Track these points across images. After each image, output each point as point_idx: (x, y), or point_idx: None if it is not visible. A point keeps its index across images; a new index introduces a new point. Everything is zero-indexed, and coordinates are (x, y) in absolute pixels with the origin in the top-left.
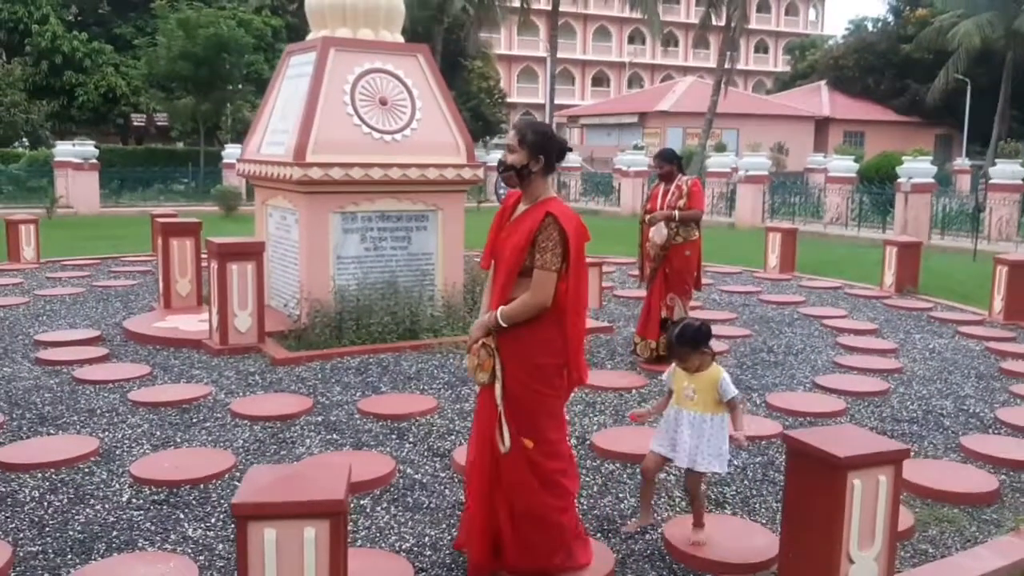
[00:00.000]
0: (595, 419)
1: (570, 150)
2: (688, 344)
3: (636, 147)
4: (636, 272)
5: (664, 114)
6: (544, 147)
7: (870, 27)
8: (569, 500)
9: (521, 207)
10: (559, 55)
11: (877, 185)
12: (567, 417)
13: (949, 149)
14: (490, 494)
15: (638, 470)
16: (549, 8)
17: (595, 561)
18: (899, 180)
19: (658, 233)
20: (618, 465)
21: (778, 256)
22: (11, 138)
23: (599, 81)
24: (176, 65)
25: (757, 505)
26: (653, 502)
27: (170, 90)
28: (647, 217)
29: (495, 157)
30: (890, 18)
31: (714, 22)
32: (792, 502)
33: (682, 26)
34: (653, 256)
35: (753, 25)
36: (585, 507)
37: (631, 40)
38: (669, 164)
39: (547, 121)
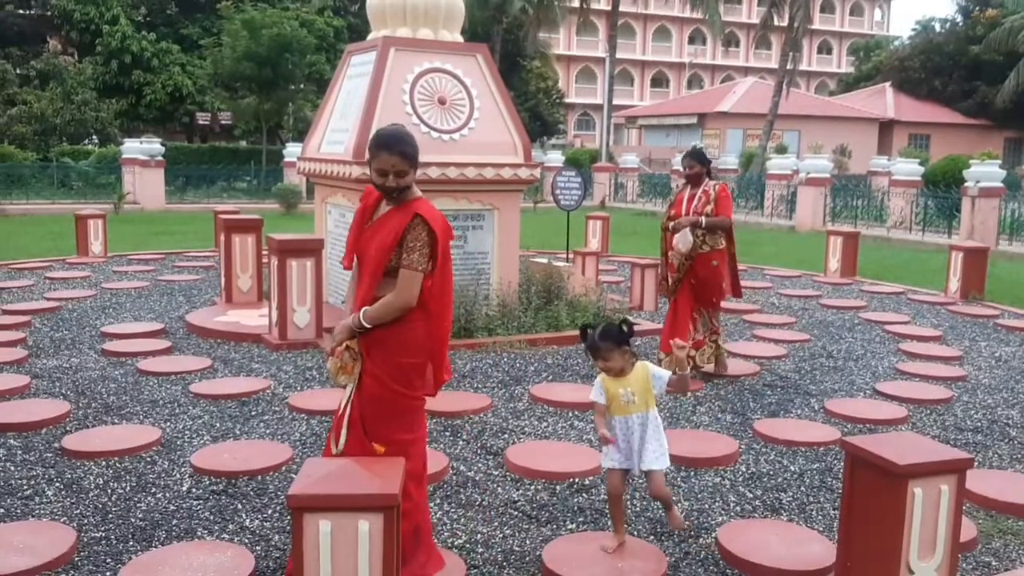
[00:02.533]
0: None
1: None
2: (612, 341)
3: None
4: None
5: (724, 115)
6: (415, 155)
7: (938, 28)
8: (409, 504)
9: (385, 207)
10: (618, 55)
11: (943, 189)
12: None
13: (1019, 153)
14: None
15: (692, 473)
16: (609, 8)
17: (649, 563)
18: (966, 184)
19: (683, 240)
20: (672, 468)
21: (839, 260)
22: (82, 135)
23: (658, 82)
24: (240, 65)
25: (814, 512)
26: (709, 506)
27: (234, 89)
28: (671, 224)
29: (552, 157)
30: (959, 18)
31: (776, 22)
32: (851, 510)
33: (743, 26)
34: (677, 266)
35: (816, 25)
36: (637, 510)
37: (691, 40)
38: (700, 165)
39: (605, 121)
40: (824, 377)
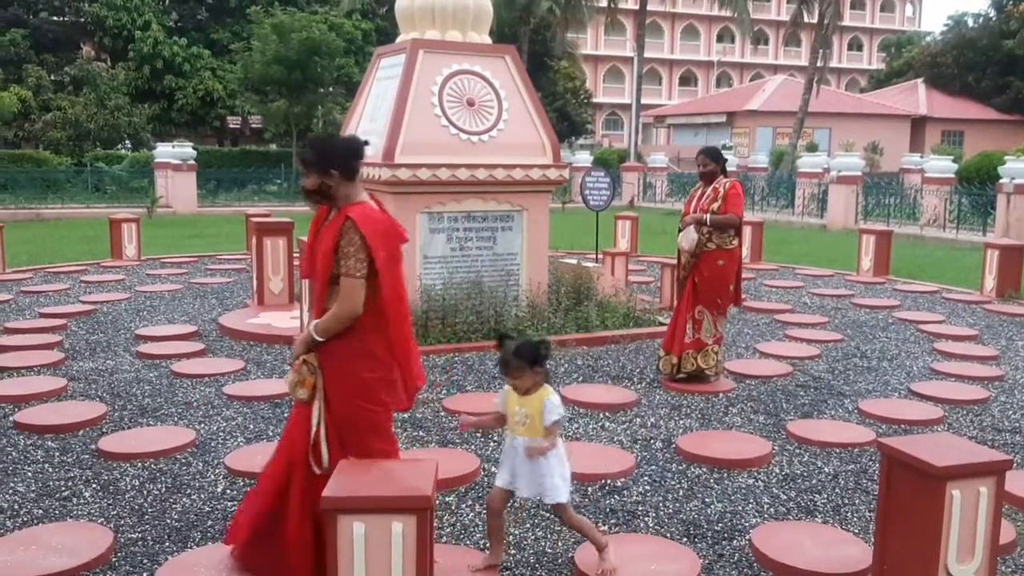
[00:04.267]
0: (681, 422)
1: (364, 143)
2: (525, 360)
3: (725, 147)
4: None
5: (753, 113)
6: (328, 159)
7: (970, 23)
8: None
9: (332, 214)
10: (646, 54)
11: (977, 186)
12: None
13: None
14: (278, 514)
15: (725, 475)
16: (637, 7)
17: (682, 566)
18: (1001, 181)
19: (686, 238)
20: (704, 469)
21: (872, 259)
22: (115, 140)
23: (687, 80)
24: (270, 69)
25: (849, 514)
26: (742, 508)
27: (264, 93)
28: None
29: (580, 158)
30: (992, 13)
31: (806, 19)
32: (887, 512)
33: (773, 24)
34: (683, 263)
35: (847, 22)
36: (671, 511)
37: (720, 38)
38: (714, 163)
39: (633, 121)
40: (858, 377)
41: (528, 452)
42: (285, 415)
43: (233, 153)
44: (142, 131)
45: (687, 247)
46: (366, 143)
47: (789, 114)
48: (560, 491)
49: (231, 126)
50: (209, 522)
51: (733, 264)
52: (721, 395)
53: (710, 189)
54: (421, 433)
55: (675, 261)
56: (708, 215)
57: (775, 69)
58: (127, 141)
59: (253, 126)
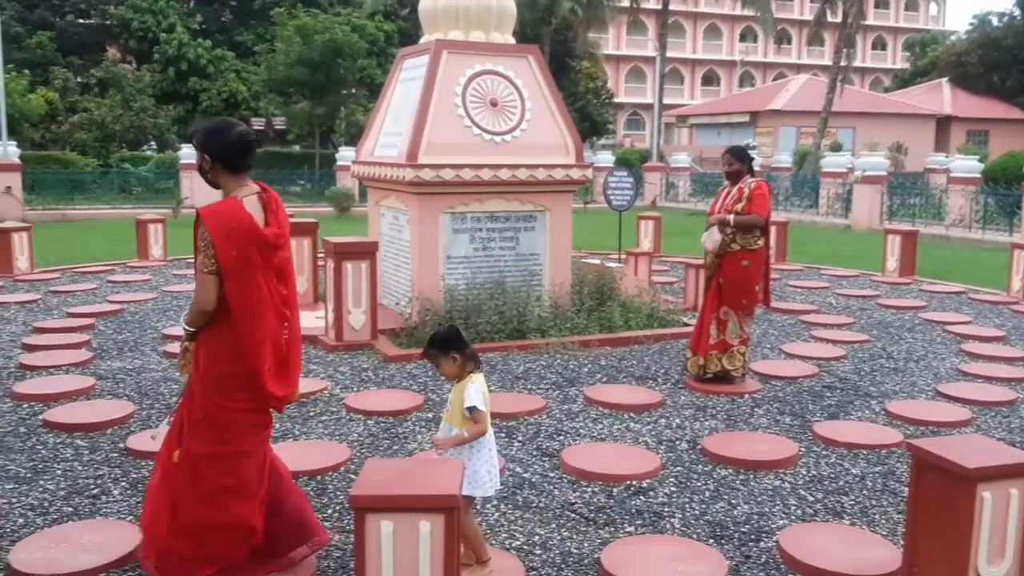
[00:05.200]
0: (706, 423)
1: (251, 139)
2: (435, 347)
3: (748, 147)
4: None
5: (777, 113)
6: (205, 144)
7: (995, 22)
8: (233, 520)
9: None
10: (668, 54)
11: (1003, 186)
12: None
13: None
14: (155, 492)
15: (752, 476)
16: (659, 7)
17: (709, 567)
18: None
19: (709, 238)
20: (731, 470)
21: (897, 259)
22: (140, 142)
23: (709, 80)
24: (293, 70)
25: (877, 516)
26: (769, 510)
27: (288, 95)
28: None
29: (602, 158)
30: (1016, 12)
31: (829, 18)
32: (917, 514)
33: (796, 23)
34: (707, 264)
35: (871, 21)
36: (697, 512)
37: (743, 38)
38: (739, 162)
39: (655, 121)
40: (884, 378)
41: (432, 440)
42: (310, 414)
43: (257, 155)
44: (167, 132)
45: (710, 247)
46: (254, 140)
47: (813, 114)
48: (484, 485)
49: (255, 127)
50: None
51: (758, 265)
52: (747, 396)
53: (735, 189)
54: None
55: (699, 261)
56: (732, 215)
57: (798, 68)
58: (152, 142)
59: (277, 128)
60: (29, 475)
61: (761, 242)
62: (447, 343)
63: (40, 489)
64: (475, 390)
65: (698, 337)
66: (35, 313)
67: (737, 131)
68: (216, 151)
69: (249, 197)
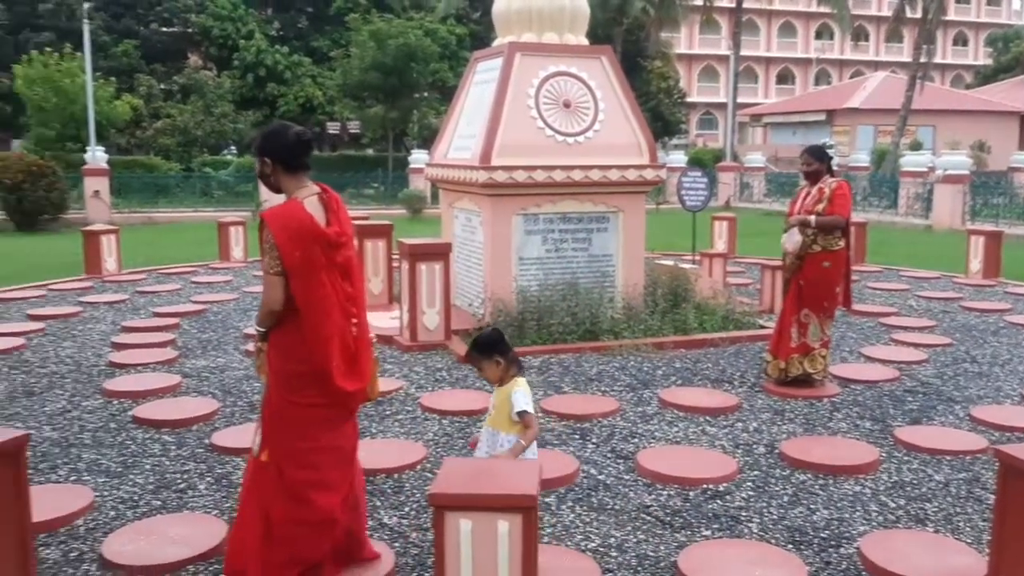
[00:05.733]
0: (784, 427)
1: (308, 138)
2: (477, 350)
3: (825, 145)
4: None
5: (854, 111)
6: (263, 147)
7: None
8: (317, 515)
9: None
10: (742, 52)
11: None
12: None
13: None
14: (247, 498)
15: (831, 481)
16: (732, 5)
17: (788, 572)
18: None
19: (789, 240)
20: (809, 475)
21: (981, 260)
22: (221, 146)
23: (784, 78)
24: (368, 75)
25: (961, 523)
26: (849, 515)
27: (362, 99)
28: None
29: (675, 158)
30: None
31: (908, 14)
32: (1003, 521)
33: (873, 19)
34: (787, 265)
35: (951, 16)
36: (775, 517)
37: (818, 35)
38: (818, 162)
39: (729, 120)
40: (968, 383)
41: (512, 453)
42: (387, 413)
43: (332, 158)
44: (247, 137)
45: (791, 249)
46: (311, 139)
47: (891, 112)
48: None
49: (330, 132)
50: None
51: (839, 266)
52: (825, 400)
53: (815, 189)
54: None
55: (775, 263)
56: (813, 216)
57: (876, 66)
58: (232, 147)
59: (351, 131)
60: (120, 469)
61: (842, 243)
62: (490, 346)
63: (130, 483)
64: (522, 394)
65: (778, 340)
66: (123, 313)
67: (813, 130)
68: (275, 153)
69: (310, 198)
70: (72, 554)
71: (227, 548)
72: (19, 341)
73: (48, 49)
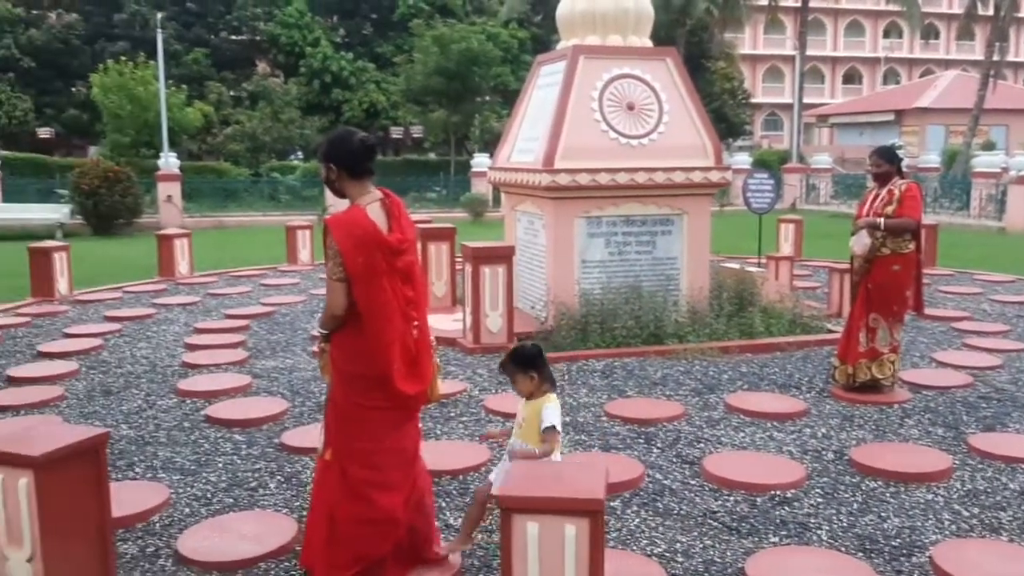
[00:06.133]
0: (853, 434)
1: (372, 144)
2: (513, 364)
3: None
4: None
5: (924, 111)
6: (328, 154)
7: None
8: (379, 514)
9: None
10: (808, 52)
11: None
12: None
13: None
14: (317, 495)
15: (902, 489)
16: (798, 4)
17: None
18: None
19: (858, 243)
20: (880, 482)
21: None
22: (288, 151)
23: (850, 78)
24: (431, 80)
25: None
26: (921, 524)
27: (425, 104)
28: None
29: (739, 159)
30: None
31: (980, 11)
32: None
33: (944, 17)
34: (855, 268)
35: None
36: (845, 524)
37: (886, 34)
38: (888, 164)
39: (795, 121)
40: None
41: (510, 452)
42: (451, 415)
43: (395, 162)
44: (312, 142)
45: (859, 252)
46: (375, 145)
47: (962, 111)
48: None
49: (393, 136)
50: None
51: (909, 269)
52: (896, 406)
53: (884, 191)
54: (583, 437)
55: (843, 266)
56: (882, 219)
57: (946, 64)
58: (299, 152)
59: (414, 136)
60: (194, 467)
61: (912, 246)
62: (528, 361)
63: (203, 481)
64: (553, 409)
65: (846, 344)
66: (195, 314)
67: (881, 130)
68: (340, 159)
69: (372, 204)
70: (149, 549)
71: (303, 543)
72: (97, 342)
73: (123, 58)
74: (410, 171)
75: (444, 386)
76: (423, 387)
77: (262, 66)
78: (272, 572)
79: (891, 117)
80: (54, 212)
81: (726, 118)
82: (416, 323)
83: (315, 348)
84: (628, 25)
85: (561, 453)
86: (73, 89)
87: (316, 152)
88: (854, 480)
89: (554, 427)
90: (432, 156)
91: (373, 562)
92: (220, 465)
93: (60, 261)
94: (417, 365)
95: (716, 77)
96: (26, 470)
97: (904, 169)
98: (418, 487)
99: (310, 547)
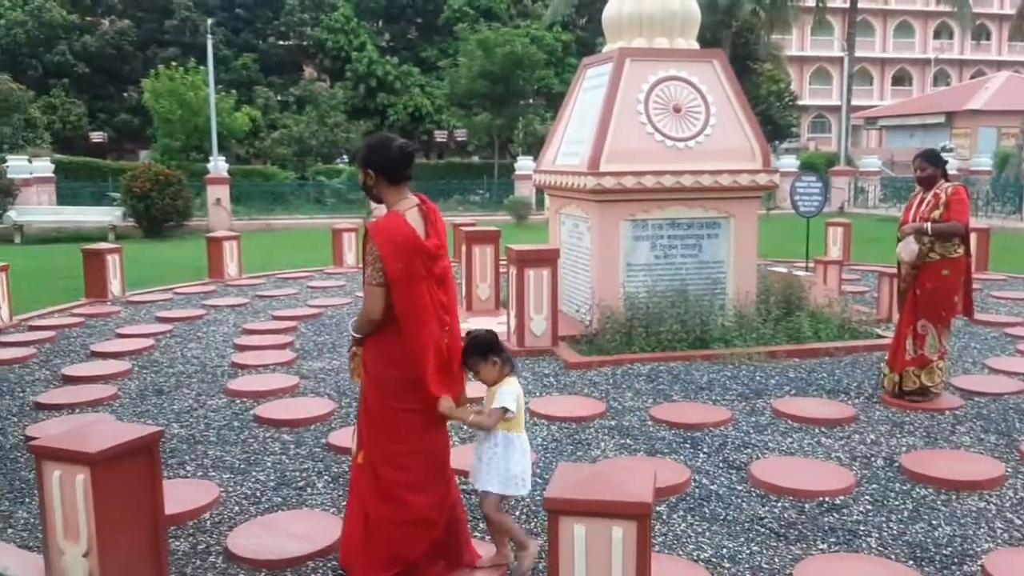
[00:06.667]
0: (903, 440)
1: (411, 151)
2: (476, 351)
3: (944, 149)
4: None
5: (975, 113)
6: (367, 160)
7: None
8: (412, 514)
9: None
10: (856, 53)
11: None
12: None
13: None
14: (353, 496)
15: (954, 497)
16: (846, 5)
17: None
18: None
19: (905, 248)
20: (931, 490)
21: None
22: (334, 155)
23: (900, 80)
24: (475, 83)
25: None
26: (973, 532)
27: (469, 107)
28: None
29: (785, 162)
30: None
31: None
32: None
33: (995, 17)
34: (903, 275)
35: None
36: (895, 532)
37: (937, 35)
38: (932, 167)
39: (843, 123)
40: None
41: (469, 415)
42: None
43: (439, 166)
44: (357, 146)
45: (907, 258)
46: (413, 151)
47: (1015, 113)
48: (516, 484)
49: (438, 140)
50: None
51: (959, 274)
52: (947, 412)
53: (930, 195)
54: (628, 441)
55: (892, 270)
56: (929, 223)
57: (998, 65)
58: (344, 156)
59: (458, 139)
60: (243, 466)
61: (961, 250)
62: (488, 347)
63: (252, 480)
64: (508, 391)
65: (894, 352)
66: (244, 316)
67: (931, 133)
68: (380, 165)
69: (411, 210)
70: (200, 546)
71: (340, 543)
72: (149, 342)
73: (174, 63)
74: (454, 174)
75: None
76: (456, 392)
77: (309, 71)
78: (320, 571)
79: (942, 119)
80: (107, 215)
81: (772, 120)
82: (448, 328)
83: (348, 351)
84: (675, 27)
85: (518, 436)
86: (125, 94)
87: (355, 157)
88: (904, 487)
89: (505, 408)
90: (476, 159)
91: (410, 563)
92: (269, 464)
93: (113, 263)
94: (450, 370)
95: (762, 79)
96: (83, 467)
97: (955, 172)
98: (452, 489)
99: (348, 548)
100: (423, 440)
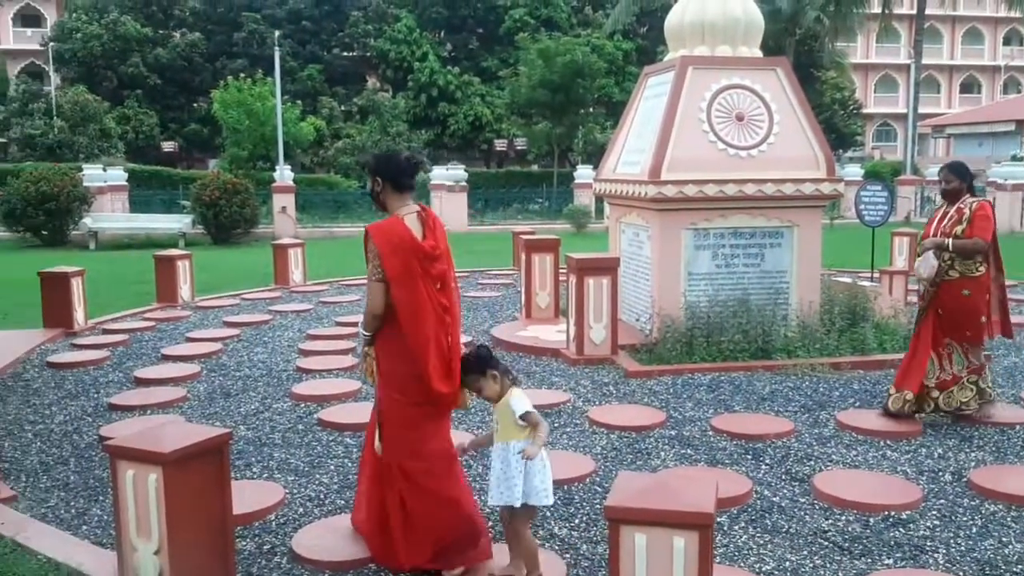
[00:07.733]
0: (972, 455)
1: (416, 162)
2: (475, 369)
3: (1015, 158)
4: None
5: None
6: (378, 168)
7: None
8: (441, 498)
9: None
10: (923, 61)
11: None
12: None
13: None
14: (374, 489)
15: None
16: (913, 12)
17: None
18: None
19: (924, 265)
20: (1001, 506)
21: None
22: None
23: (968, 87)
24: (535, 92)
25: None
26: None
27: (529, 116)
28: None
29: (850, 171)
30: None
31: None
32: None
33: None
34: (922, 292)
35: None
36: (963, 548)
37: (1007, 41)
38: (959, 180)
39: (909, 131)
40: None
41: (525, 456)
42: (555, 425)
43: (499, 174)
44: (419, 155)
45: (925, 274)
46: (419, 162)
47: None
48: (540, 495)
49: (497, 148)
50: (490, 522)
51: (981, 293)
52: (1018, 427)
53: (953, 209)
54: (689, 451)
55: None
56: (950, 239)
57: None
58: None
59: (517, 148)
60: (307, 469)
61: (983, 268)
62: (484, 362)
63: (316, 482)
64: (519, 399)
65: (905, 370)
66: (308, 321)
67: (1001, 141)
68: (388, 173)
69: (410, 215)
70: (265, 547)
71: (367, 537)
72: (217, 346)
73: (242, 75)
74: (513, 183)
75: (548, 395)
76: (454, 388)
77: (372, 81)
78: (382, 573)
79: (1012, 127)
80: (177, 222)
81: (836, 129)
82: (448, 329)
83: (361, 352)
84: (737, 35)
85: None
86: (195, 105)
87: (363, 166)
88: (973, 503)
89: (529, 412)
90: (535, 168)
91: (447, 545)
92: (332, 467)
93: (183, 269)
94: (450, 366)
95: (826, 87)
96: (155, 466)
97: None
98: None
99: (382, 538)
100: (434, 431)
